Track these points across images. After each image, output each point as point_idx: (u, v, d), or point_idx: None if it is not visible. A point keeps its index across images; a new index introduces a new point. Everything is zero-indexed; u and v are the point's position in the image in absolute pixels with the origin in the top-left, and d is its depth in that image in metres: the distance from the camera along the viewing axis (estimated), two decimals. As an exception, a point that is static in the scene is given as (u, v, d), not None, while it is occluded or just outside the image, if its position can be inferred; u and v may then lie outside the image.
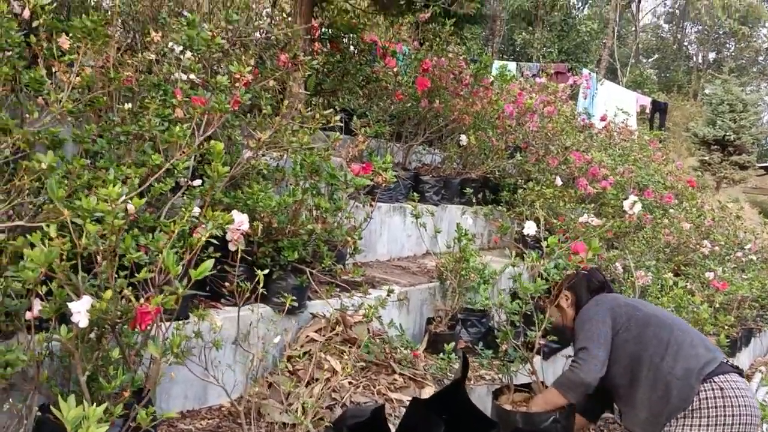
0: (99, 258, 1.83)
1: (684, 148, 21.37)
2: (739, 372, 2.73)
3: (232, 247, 2.87)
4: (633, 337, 2.77)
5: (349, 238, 3.02)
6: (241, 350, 2.82)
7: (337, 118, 3.34)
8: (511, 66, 11.09)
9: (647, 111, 16.64)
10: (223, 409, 2.80)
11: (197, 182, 2.69)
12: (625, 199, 4.50)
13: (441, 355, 3.34)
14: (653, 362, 2.70)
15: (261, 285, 2.17)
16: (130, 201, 1.84)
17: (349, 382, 2.89)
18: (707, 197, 10.57)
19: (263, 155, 3.06)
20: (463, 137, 5.22)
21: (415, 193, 4.47)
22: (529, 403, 3.05)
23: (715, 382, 2.57)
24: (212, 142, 2.26)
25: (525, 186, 5.17)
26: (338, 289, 3.42)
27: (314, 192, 2.92)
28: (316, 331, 3.12)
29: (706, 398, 2.56)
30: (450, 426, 2.29)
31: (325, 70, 4.77)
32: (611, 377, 2.79)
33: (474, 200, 5.21)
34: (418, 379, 3.17)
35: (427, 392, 3.10)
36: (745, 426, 2.55)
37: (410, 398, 2.97)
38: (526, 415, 3.08)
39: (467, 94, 5.10)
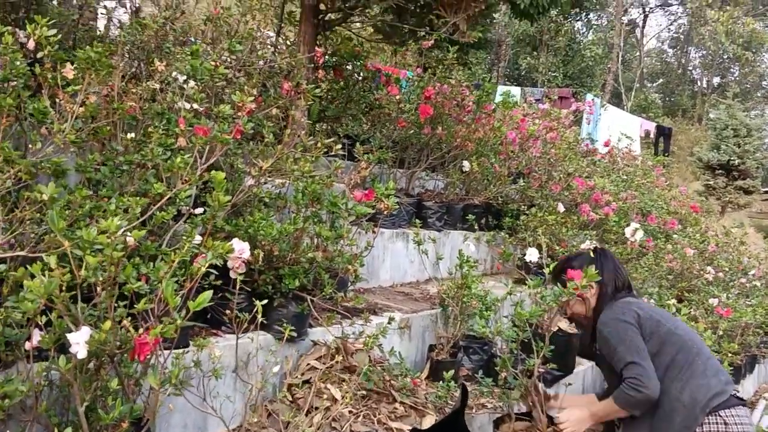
0: (98, 288, 1.84)
1: (689, 173, 21.38)
2: (744, 404, 2.71)
3: (233, 275, 2.88)
4: (650, 353, 2.71)
5: (350, 266, 3.02)
6: (241, 379, 2.82)
7: (339, 147, 3.37)
8: (515, 91, 11.16)
9: (651, 136, 16.67)
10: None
11: (199, 210, 2.71)
12: (627, 225, 4.51)
13: (441, 383, 3.32)
14: (662, 383, 2.66)
15: (260, 315, 2.16)
16: (129, 233, 1.85)
17: (350, 411, 2.88)
18: (712, 222, 10.55)
19: (265, 183, 3.08)
20: (466, 163, 5.24)
21: (417, 219, 4.47)
22: (587, 409, 2.89)
23: (720, 416, 2.57)
24: (213, 171, 2.28)
25: (528, 212, 5.18)
26: (339, 317, 3.42)
27: (315, 220, 2.93)
28: (316, 359, 3.11)
29: (710, 431, 2.56)
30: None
31: (328, 97, 4.81)
32: (616, 378, 2.76)
33: (476, 226, 5.21)
34: (419, 408, 3.16)
35: (428, 421, 3.08)
36: None
37: (410, 428, 2.96)
38: (528, 446, 3.07)
39: (470, 120, 5.13)
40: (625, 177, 7.72)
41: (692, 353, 2.70)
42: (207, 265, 2.03)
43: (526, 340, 3.31)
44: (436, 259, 4.43)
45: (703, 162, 18.48)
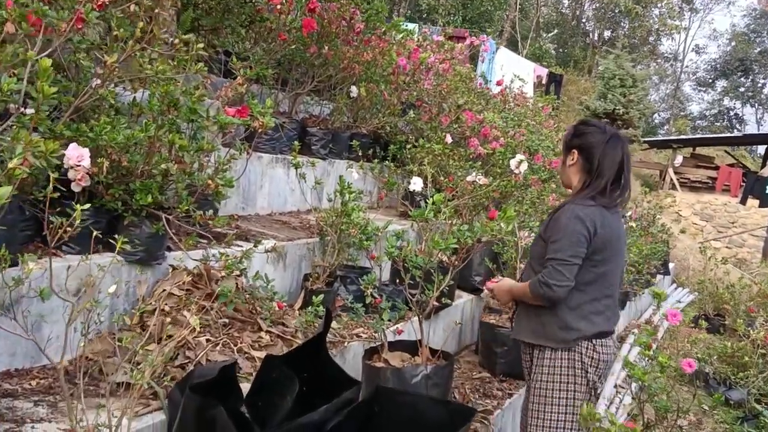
0: None
1: (559, 119, 22.00)
2: (612, 333, 2.84)
3: (75, 188, 2.53)
4: (588, 271, 2.65)
5: (211, 182, 2.72)
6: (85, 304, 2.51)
7: (203, 53, 3.01)
8: (412, 26, 10.89)
9: (543, 82, 16.97)
10: (59, 368, 2.48)
11: (31, 111, 2.33)
12: (512, 158, 4.44)
13: (309, 308, 3.13)
14: (581, 300, 2.66)
15: (77, 223, 1.84)
16: None
17: (207, 339, 2.64)
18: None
19: (115, 86, 2.71)
20: (354, 88, 4.98)
21: (296, 142, 4.20)
22: (510, 285, 2.89)
23: (593, 342, 2.69)
24: (37, 56, 1.91)
25: (416, 143, 5.01)
26: (205, 242, 3.14)
27: (173, 128, 2.60)
28: (174, 285, 2.83)
29: (582, 353, 2.68)
30: (308, 384, 2.10)
31: (204, 6, 4.37)
32: (541, 264, 2.70)
33: (363, 155, 5.00)
34: (287, 337, 2.96)
35: (296, 351, 2.90)
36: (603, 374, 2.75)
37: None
38: (396, 372, 2.96)
39: (359, 42, 4.84)
40: (515, 116, 7.71)
41: (608, 291, 2.72)
42: (19, 163, 1.70)
43: (420, 277, 3.13)
44: (315, 184, 4.19)
45: (590, 110, 19.04)
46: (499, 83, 8.76)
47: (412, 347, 3.24)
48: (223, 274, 2.96)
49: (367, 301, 3.11)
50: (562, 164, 2.90)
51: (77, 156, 2.28)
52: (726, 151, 23.33)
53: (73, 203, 2.55)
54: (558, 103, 11.19)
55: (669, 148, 20.52)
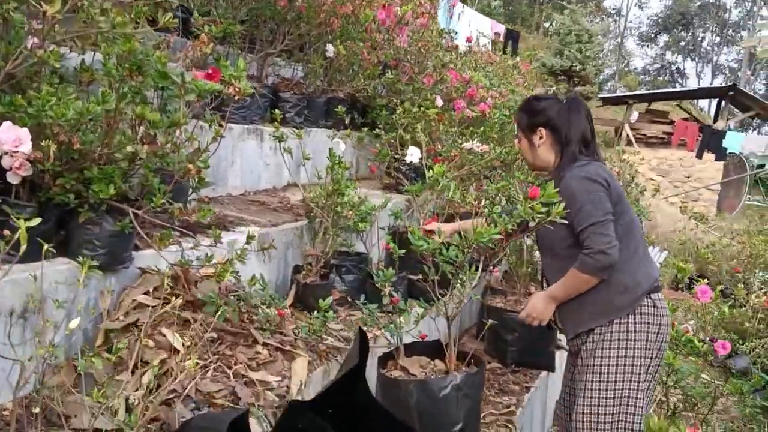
0: None
1: (530, 78, 21.68)
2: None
3: (12, 179, 1.95)
4: (618, 225, 2.58)
5: (191, 165, 2.16)
6: (34, 326, 1.96)
7: (173, 2, 2.44)
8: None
9: (500, 39, 16.51)
10: (5, 412, 1.93)
11: (-55, 79, 1.73)
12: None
13: (316, 314, 2.63)
14: (625, 256, 2.56)
15: (24, 235, 1.30)
16: None
17: (195, 363, 2.11)
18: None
19: (58, 45, 2.11)
20: (330, 47, 4.40)
21: (277, 111, 3.65)
22: (545, 294, 2.69)
23: (651, 298, 2.59)
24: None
25: (402, 107, 4.47)
26: (178, 234, 2.58)
27: (137, 99, 2.02)
28: (146, 293, 2.29)
29: (646, 313, 2.58)
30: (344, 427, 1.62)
31: (155, -49, 3.71)
32: (568, 247, 2.59)
33: (346, 122, 4.45)
34: (286, 349, 2.45)
35: (300, 365, 2.39)
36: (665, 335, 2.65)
37: (278, 379, 2.27)
38: (421, 384, 2.50)
39: (335, -8, 4.26)
40: (490, 75, 7.22)
41: (639, 238, 2.67)
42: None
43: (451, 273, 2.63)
44: (303, 160, 3.65)
45: (546, 67, 18.72)
46: (468, 39, 8.24)
47: (428, 349, 2.79)
48: (204, 273, 2.43)
49: (384, 302, 2.62)
50: (528, 147, 2.82)
51: (14, 138, 1.71)
52: (678, 106, 23.42)
53: (11, 198, 2.01)
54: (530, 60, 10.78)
55: (624, 104, 20.42)
